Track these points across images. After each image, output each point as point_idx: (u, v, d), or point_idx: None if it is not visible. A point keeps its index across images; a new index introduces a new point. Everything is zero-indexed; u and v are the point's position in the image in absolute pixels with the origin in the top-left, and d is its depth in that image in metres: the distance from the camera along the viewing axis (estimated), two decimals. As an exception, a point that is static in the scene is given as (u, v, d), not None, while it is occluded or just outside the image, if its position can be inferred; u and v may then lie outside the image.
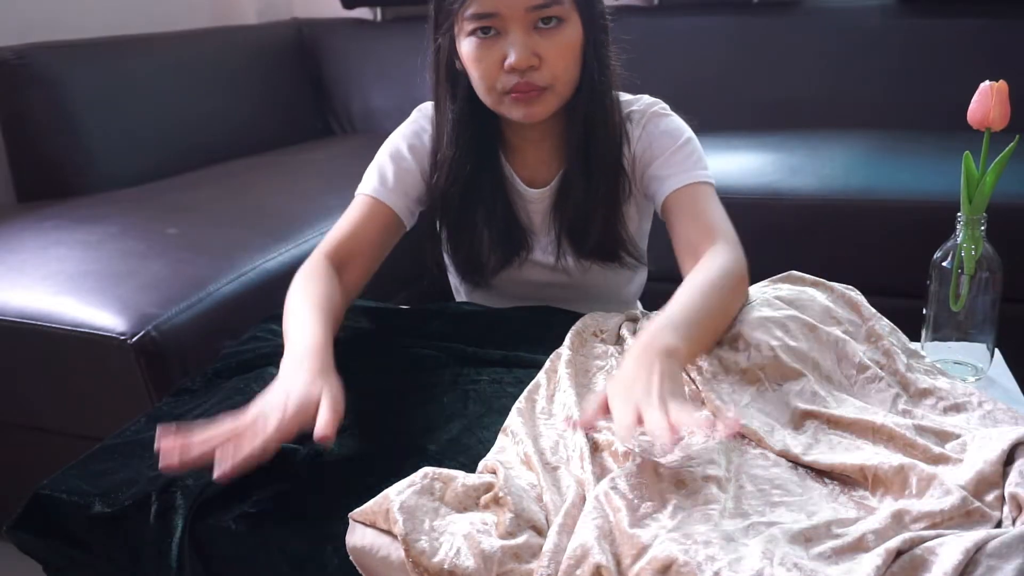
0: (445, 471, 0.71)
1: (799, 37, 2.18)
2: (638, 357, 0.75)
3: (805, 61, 2.16)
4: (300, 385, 0.76)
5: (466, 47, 0.98)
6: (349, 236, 1.05)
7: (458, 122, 1.05)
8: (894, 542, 0.60)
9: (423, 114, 1.13)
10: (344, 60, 2.49)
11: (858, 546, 0.62)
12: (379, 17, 2.60)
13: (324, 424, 0.72)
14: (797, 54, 2.17)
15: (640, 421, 0.68)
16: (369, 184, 1.09)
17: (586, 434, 0.77)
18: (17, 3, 1.86)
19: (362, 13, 2.60)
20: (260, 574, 0.72)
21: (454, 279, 1.25)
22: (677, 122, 1.09)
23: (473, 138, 1.06)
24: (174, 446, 0.70)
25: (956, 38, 2.05)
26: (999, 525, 0.65)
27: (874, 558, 0.59)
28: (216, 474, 0.69)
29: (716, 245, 0.95)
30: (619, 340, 0.99)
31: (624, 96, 1.10)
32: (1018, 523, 0.63)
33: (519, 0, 0.93)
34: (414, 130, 1.12)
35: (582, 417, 0.76)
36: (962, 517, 0.64)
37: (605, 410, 0.73)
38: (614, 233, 1.09)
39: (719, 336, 0.86)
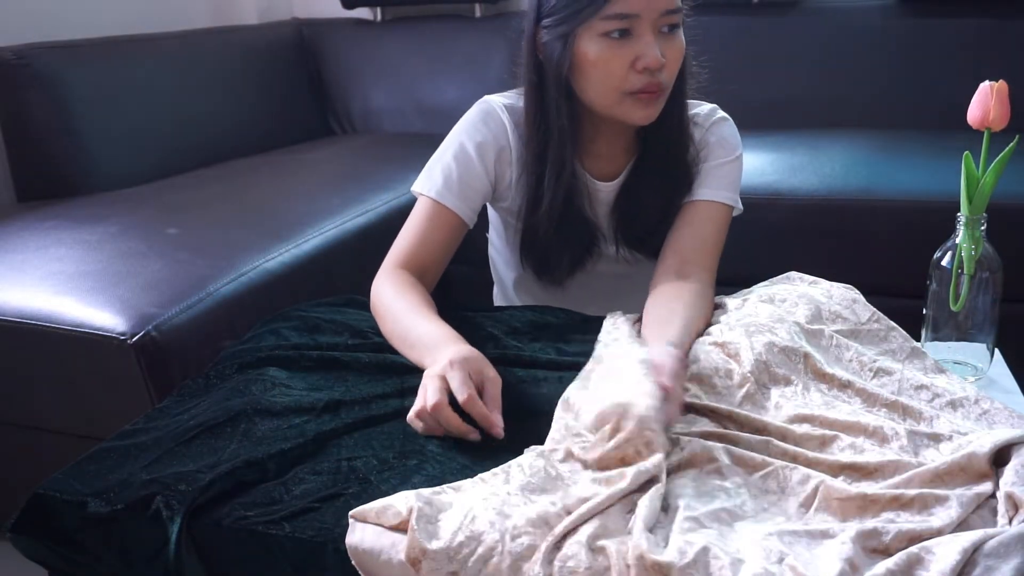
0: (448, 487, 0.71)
1: (799, 37, 2.18)
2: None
3: (805, 61, 2.16)
4: (468, 353, 0.85)
5: (595, 48, 0.99)
6: (420, 246, 1.07)
7: (571, 121, 1.05)
8: (873, 522, 0.62)
9: (490, 106, 1.11)
10: (344, 60, 2.49)
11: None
12: (379, 17, 2.59)
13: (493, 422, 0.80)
14: (797, 54, 2.17)
15: None
16: (432, 186, 1.08)
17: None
18: (17, 3, 1.86)
19: (362, 13, 2.60)
20: (260, 574, 0.72)
21: (508, 278, 1.25)
22: (735, 135, 1.14)
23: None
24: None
25: (956, 38, 2.05)
26: (995, 516, 0.65)
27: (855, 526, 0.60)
28: (497, 432, 0.78)
29: (691, 282, 1.01)
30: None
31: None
32: (1015, 522, 0.63)
33: (658, 3, 0.97)
34: (479, 127, 1.10)
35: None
36: (959, 472, 0.65)
37: None
38: (667, 226, 1.11)
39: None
